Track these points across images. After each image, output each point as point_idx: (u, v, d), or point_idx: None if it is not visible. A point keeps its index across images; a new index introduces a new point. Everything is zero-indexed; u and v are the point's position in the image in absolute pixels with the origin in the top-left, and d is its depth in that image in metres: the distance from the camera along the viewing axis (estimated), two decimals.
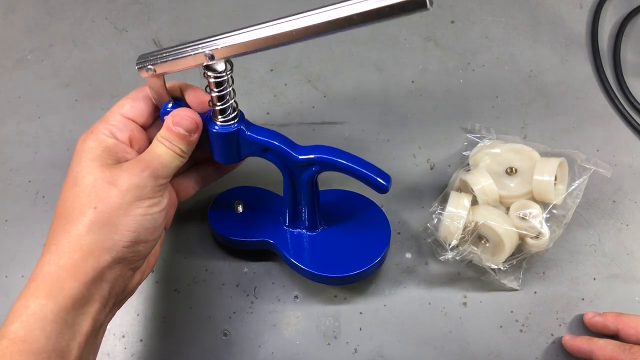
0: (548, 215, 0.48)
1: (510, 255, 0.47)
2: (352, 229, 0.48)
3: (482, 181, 0.48)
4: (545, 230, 0.47)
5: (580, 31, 0.64)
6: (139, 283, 0.41)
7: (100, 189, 0.37)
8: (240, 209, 0.50)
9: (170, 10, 0.66)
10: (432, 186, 0.54)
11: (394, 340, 0.47)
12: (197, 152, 0.42)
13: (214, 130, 0.41)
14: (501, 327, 0.48)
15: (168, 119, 0.40)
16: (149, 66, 0.39)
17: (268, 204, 0.50)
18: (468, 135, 0.54)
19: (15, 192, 0.55)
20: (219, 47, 0.36)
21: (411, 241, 0.51)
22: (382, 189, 0.42)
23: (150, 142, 0.41)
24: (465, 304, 0.48)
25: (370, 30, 0.64)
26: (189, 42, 0.37)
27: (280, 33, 0.34)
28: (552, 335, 0.47)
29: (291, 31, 0.34)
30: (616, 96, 0.59)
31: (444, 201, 0.49)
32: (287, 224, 0.48)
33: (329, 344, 0.47)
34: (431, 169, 0.56)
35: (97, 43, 0.64)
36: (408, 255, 0.51)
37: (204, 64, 0.38)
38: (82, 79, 0.62)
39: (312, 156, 0.42)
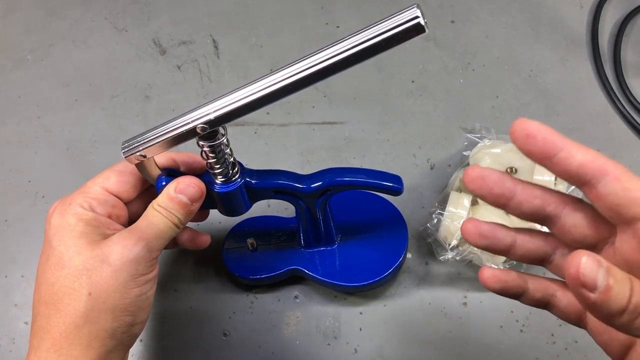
0: None
1: None
2: (369, 232, 0.48)
3: None
4: (545, 230, 0.47)
5: (581, 31, 0.64)
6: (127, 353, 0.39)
7: (91, 270, 0.34)
8: (253, 245, 0.48)
9: (170, 10, 0.66)
10: (432, 186, 0.54)
11: (394, 341, 0.47)
12: (198, 213, 0.40)
13: (216, 191, 0.39)
14: (501, 327, 0.47)
15: (169, 187, 0.37)
16: (139, 153, 0.36)
17: (280, 230, 0.49)
18: (468, 135, 0.54)
19: (15, 192, 0.55)
20: (211, 117, 0.33)
21: (411, 241, 0.51)
22: (396, 192, 0.42)
23: (131, 217, 0.39)
24: (465, 304, 0.48)
25: None
26: (175, 118, 0.35)
27: (276, 89, 0.32)
28: (552, 335, 0.47)
29: (287, 85, 0.32)
30: (616, 96, 0.59)
31: (444, 201, 0.49)
32: (304, 246, 0.48)
33: (329, 344, 0.47)
34: (431, 169, 0.56)
35: (97, 43, 0.64)
36: (408, 255, 0.51)
37: (198, 137, 0.35)
38: (82, 79, 0.62)
39: (321, 184, 0.41)
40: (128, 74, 0.62)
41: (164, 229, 0.37)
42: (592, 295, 0.23)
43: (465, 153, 0.53)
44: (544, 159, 0.28)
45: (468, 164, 0.52)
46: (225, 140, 0.37)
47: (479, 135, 0.53)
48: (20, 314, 0.49)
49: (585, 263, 0.22)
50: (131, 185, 0.39)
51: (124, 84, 0.61)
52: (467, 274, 0.49)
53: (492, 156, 0.51)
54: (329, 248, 0.48)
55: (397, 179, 0.42)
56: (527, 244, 0.33)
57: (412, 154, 0.57)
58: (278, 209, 0.53)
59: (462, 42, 0.63)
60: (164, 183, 0.39)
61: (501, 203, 0.31)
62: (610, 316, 0.23)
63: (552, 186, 0.47)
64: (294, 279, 0.49)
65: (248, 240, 0.48)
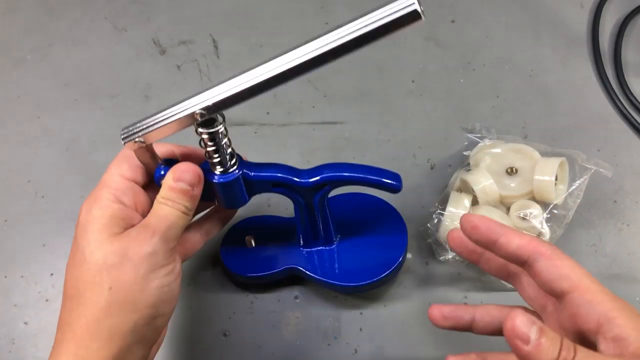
0: (548, 215, 0.47)
1: None
2: (368, 232, 0.48)
3: (482, 181, 0.48)
4: (545, 230, 0.47)
5: (581, 31, 0.64)
6: (155, 353, 0.39)
7: (112, 265, 0.34)
8: (252, 243, 0.48)
9: (170, 10, 0.66)
10: (432, 186, 0.54)
11: (394, 341, 0.47)
12: (199, 205, 0.41)
13: (215, 181, 0.39)
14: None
15: (167, 177, 0.38)
16: (137, 139, 0.36)
17: (279, 229, 0.49)
18: (468, 135, 0.54)
19: (14, 192, 0.55)
20: (209, 103, 0.34)
21: (411, 241, 0.51)
22: (395, 190, 0.42)
23: (151, 203, 0.39)
24: (466, 304, 0.48)
25: None
26: (174, 104, 0.35)
27: (274, 76, 0.32)
28: None
29: (285, 72, 0.31)
30: (617, 96, 0.59)
31: (444, 201, 0.49)
32: (303, 245, 0.48)
33: (329, 345, 0.47)
34: (431, 169, 0.56)
35: (96, 43, 0.64)
36: (408, 255, 0.51)
37: (197, 123, 0.36)
38: (82, 78, 0.62)
39: (320, 178, 0.41)
40: (128, 74, 0.62)
41: (174, 220, 0.37)
42: (526, 348, 0.27)
43: (465, 153, 0.53)
44: (489, 244, 0.35)
45: (468, 164, 0.52)
46: (223, 129, 0.37)
47: (479, 135, 0.53)
48: (20, 314, 0.49)
49: (520, 320, 0.27)
50: (142, 169, 0.40)
51: (124, 84, 0.61)
52: (467, 274, 0.49)
53: (492, 156, 0.51)
54: (327, 248, 0.47)
55: (396, 177, 0.42)
56: (485, 317, 0.38)
57: (412, 154, 0.56)
58: (278, 210, 0.53)
59: (462, 42, 0.63)
60: (162, 172, 0.39)
61: (473, 259, 0.39)
62: None
63: (552, 186, 0.47)
64: (294, 279, 0.49)
65: (247, 237, 0.48)
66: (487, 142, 0.52)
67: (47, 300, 0.50)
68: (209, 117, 0.35)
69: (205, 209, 0.46)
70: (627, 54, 0.62)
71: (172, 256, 0.37)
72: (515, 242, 0.34)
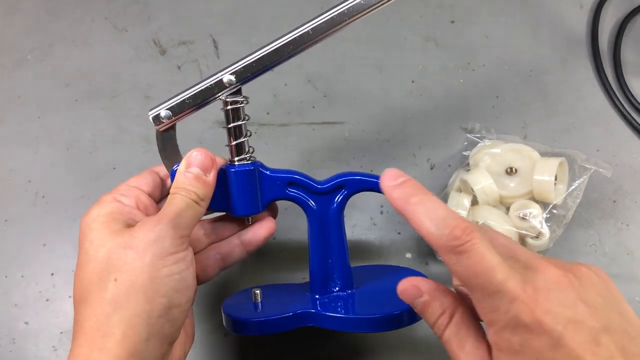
0: (548, 215, 0.48)
1: None
2: (387, 282, 0.43)
3: (482, 181, 0.48)
4: (545, 230, 0.47)
5: (581, 31, 0.64)
6: (182, 358, 0.37)
7: (115, 257, 0.33)
8: (259, 297, 0.43)
9: (170, 10, 0.66)
10: (432, 186, 0.54)
11: (394, 341, 0.47)
12: (219, 227, 0.40)
13: (233, 170, 0.39)
14: None
15: (180, 168, 0.38)
16: (165, 112, 0.39)
17: (290, 289, 0.45)
18: (468, 135, 0.54)
19: (15, 192, 0.55)
20: (239, 68, 0.38)
21: (411, 241, 0.51)
22: None
23: (158, 210, 0.38)
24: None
25: (370, 30, 0.64)
26: (202, 80, 0.39)
27: (295, 38, 0.38)
28: None
29: (303, 35, 0.38)
30: (616, 96, 0.59)
31: (444, 201, 0.49)
32: (318, 294, 0.42)
33: (329, 342, 0.47)
34: (431, 169, 0.56)
35: (97, 43, 0.64)
36: (408, 255, 0.51)
37: (224, 93, 0.39)
38: (82, 79, 0.62)
39: (338, 180, 0.41)
40: (128, 74, 0.62)
41: (183, 207, 0.35)
42: (418, 306, 0.33)
43: (465, 153, 0.53)
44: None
45: (468, 164, 0.52)
46: (245, 115, 0.40)
47: (479, 135, 0.53)
48: (20, 314, 0.49)
49: (411, 282, 0.34)
50: (150, 179, 0.40)
51: (124, 84, 0.61)
52: None
53: (492, 156, 0.51)
54: (344, 293, 0.42)
55: None
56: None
57: (412, 154, 0.57)
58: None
59: (462, 42, 0.63)
60: (174, 169, 0.39)
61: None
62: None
63: (552, 186, 0.47)
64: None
65: (253, 289, 0.43)
66: (486, 142, 0.52)
67: (47, 300, 0.50)
68: (238, 87, 0.39)
69: (224, 235, 0.43)
70: (627, 54, 0.62)
71: (182, 244, 0.35)
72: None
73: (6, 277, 0.51)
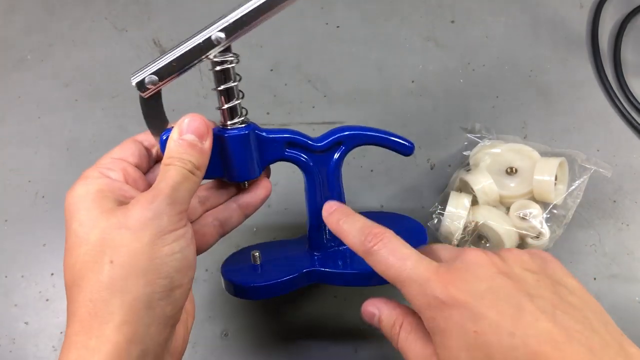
0: (548, 215, 0.47)
1: None
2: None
3: (482, 181, 0.48)
4: (545, 230, 0.47)
5: (581, 31, 0.64)
6: (186, 337, 0.35)
7: (110, 239, 0.30)
8: (258, 258, 0.42)
9: (170, 10, 0.66)
10: (432, 186, 0.54)
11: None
12: (213, 193, 0.39)
13: (227, 135, 0.36)
14: None
15: (172, 134, 0.34)
16: (149, 76, 0.34)
17: (287, 246, 0.45)
18: (468, 135, 0.54)
19: (15, 192, 0.55)
20: (228, 23, 0.35)
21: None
22: (407, 151, 0.41)
23: (150, 186, 0.34)
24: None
25: (370, 30, 0.64)
26: (189, 38, 0.35)
27: None
28: None
29: None
30: (616, 96, 0.59)
31: (444, 201, 0.49)
32: (316, 250, 0.42)
33: (329, 344, 0.47)
34: (431, 169, 0.56)
35: (97, 43, 0.64)
36: None
37: (211, 53, 0.35)
38: (82, 79, 0.62)
39: (336, 136, 0.39)
40: (128, 74, 0.62)
41: (180, 179, 0.32)
42: (375, 324, 0.36)
43: (465, 153, 0.53)
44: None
45: (468, 164, 0.52)
46: (237, 75, 0.37)
47: (479, 135, 0.53)
48: (20, 314, 0.49)
49: (367, 305, 0.37)
50: (135, 150, 0.37)
51: (124, 84, 0.61)
52: None
53: (492, 156, 0.51)
54: (343, 247, 0.42)
55: (408, 140, 0.41)
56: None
57: (412, 154, 0.56)
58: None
59: (462, 42, 0.63)
60: (165, 137, 0.36)
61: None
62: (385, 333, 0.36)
63: (552, 186, 0.47)
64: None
65: (252, 252, 0.43)
66: (486, 142, 0.52)
67: (47, 300, 0.50)
68: (227, 44, 0.36)
69: (220, 201, 0.41)
70: (627, 54, 0.62)
71: (181, 220, 0.32)
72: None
73: (6, 277, 0.51)
